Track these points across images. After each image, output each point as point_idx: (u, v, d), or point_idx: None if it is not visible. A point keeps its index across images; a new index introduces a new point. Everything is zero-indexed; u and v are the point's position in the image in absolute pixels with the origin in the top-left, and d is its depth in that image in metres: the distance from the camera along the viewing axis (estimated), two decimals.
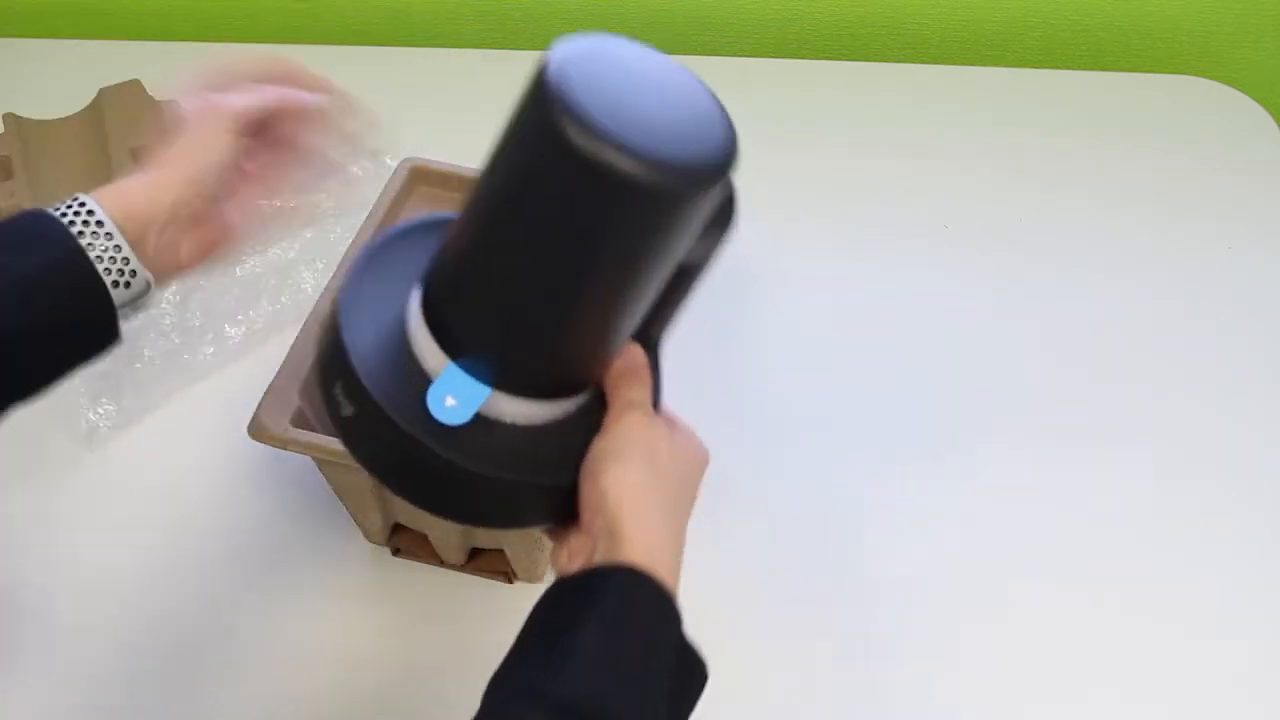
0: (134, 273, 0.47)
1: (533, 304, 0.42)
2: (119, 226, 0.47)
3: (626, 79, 0.41)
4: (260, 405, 0.58)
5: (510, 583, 0.65)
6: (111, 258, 0.46)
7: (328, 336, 0.45)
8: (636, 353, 0.46)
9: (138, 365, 0.74)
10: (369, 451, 0.45)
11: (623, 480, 0.42)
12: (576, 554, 0.43)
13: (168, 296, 0.76)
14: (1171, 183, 0.88)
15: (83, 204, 0.47)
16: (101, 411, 0.72)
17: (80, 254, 0.45)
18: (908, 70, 0.97)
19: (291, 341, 0.62)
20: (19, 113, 0.87)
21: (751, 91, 0.96)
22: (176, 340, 0.75)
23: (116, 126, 0.84)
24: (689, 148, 0.39)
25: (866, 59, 1.03)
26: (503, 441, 0.44)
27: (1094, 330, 0.78)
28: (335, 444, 0.54)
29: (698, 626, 0.42)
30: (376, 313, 0.46)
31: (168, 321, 0.76)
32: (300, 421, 0.59)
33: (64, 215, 0.46)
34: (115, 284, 0.47)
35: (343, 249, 0.70)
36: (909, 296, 0.80)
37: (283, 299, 0.78)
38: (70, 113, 0.88)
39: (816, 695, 0.61)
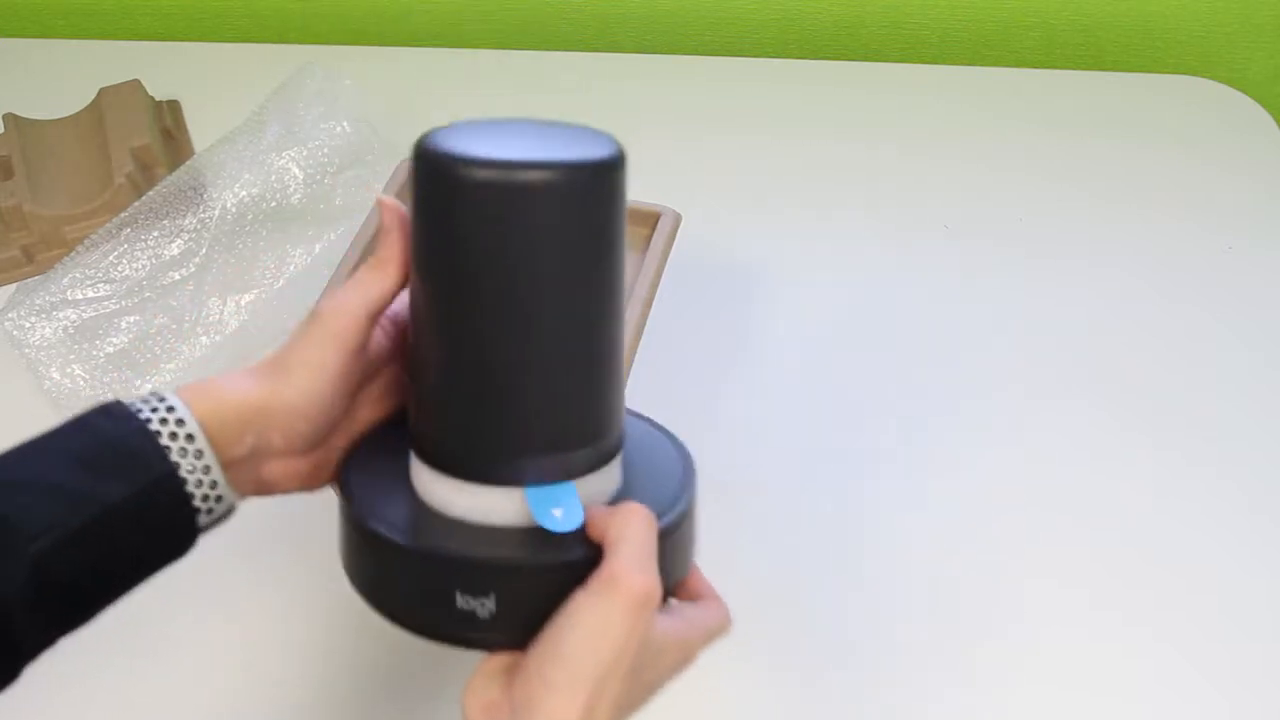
0: (220, 498, 0.42)
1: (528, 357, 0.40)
2: (210, 442, 0.41)
3: (503, 130, 0.42)
4: None
5: None
6: (199, 480, 0.41)
7: (402, 567, 0.41)
8: (633, 510, 0.40)
9: (150, 381, 0.74)
10: (524, 629, 0.40)
11: (567, 669, 0.37)
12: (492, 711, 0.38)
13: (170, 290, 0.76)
14: (1171, 183, 0.88)
15: (171, 408, 0.41)
16: None
17: (172, 478, 0.40)
18: (908, 70, 0.97)
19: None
20: (19, 113, 0.87)
21: (751, 91, 0.96)
22: (181, 344, 0.75)
23: (116, 126, 0.84)
24: (554, 155, 0.39)
25: (866, 59, 1.03)
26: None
27: (1094, 330, 0.78)
28: None
29: None
30: (404, 519, 0.42)
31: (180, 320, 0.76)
32: None
33: (149, 420, 0.40)
34: (205, 509, 0.41)
35: (343, 249, 0.70)
36: (908, 296, 0.80)
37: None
38: (70, 113, 0.88)
39: (814, 696, 0.61)
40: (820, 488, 0.69)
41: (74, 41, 1.01)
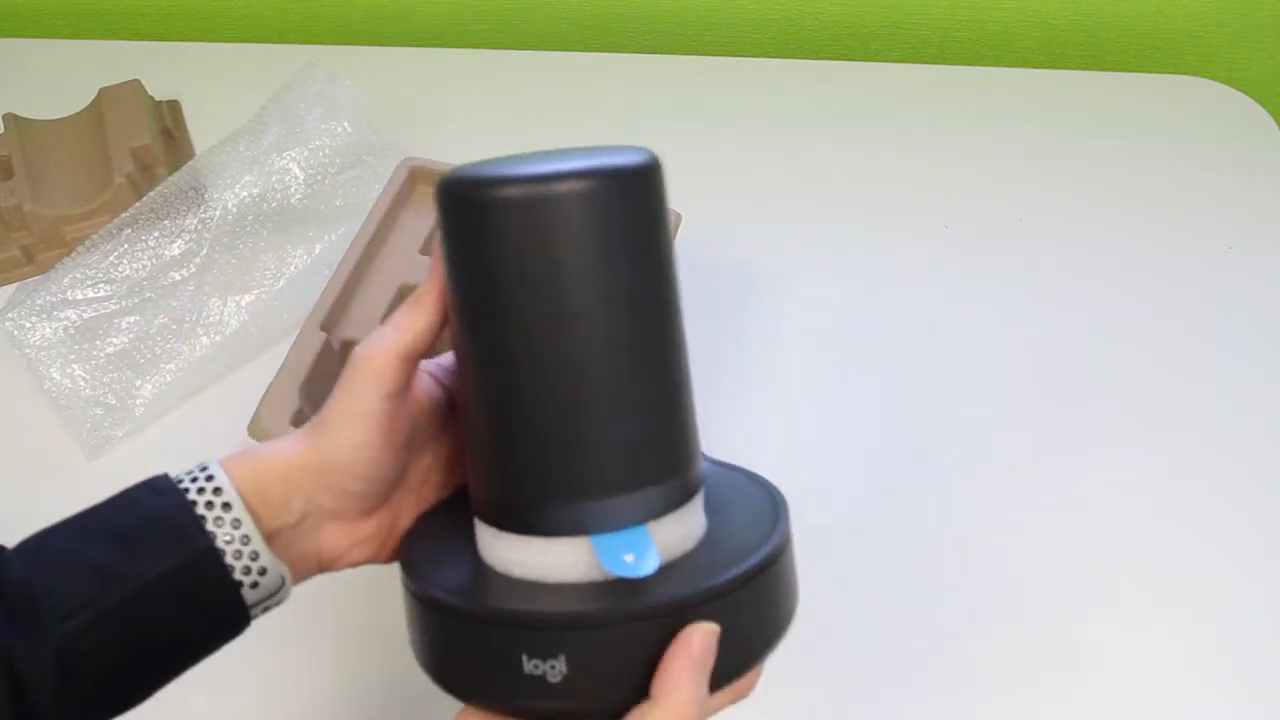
0: (264, 570, 0.39)
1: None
2: (251, 512, 0.39)
3: (527, 159, 0.39)
4: (260, 405, 0.59)
5: None
6: (237, 551, 0.39)
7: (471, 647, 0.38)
8: (696, 634, 0.36)
9: (151, 381, 0.74)
10: (600, 694, 0.36)
11: None
12: None
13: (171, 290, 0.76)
14: (1171, 183, 0.88)
15: (210, 476, 0.39)
16: (109, 420, 0.72)
17: (210, 552, 0.38)
18: (908, 70, 0.97)
19: (292, 341, 0.62)
20: (19, 113, 0.87)
21: (751, 91, 0.96)
22: (183, 346, 0.75)
23: (116, 126, 0.84)
24: (584, 165, 0.37)
25: (866, 59, 1.03)
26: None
27: (1093, 330, 0.78)
28: None
29: None
30: (465, 584, 0.39)
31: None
32: (300, 421, 0.59)
33: (187, 490, 0.39)
34: (249, 585, 0.39)
35: (343, 249, 0.70)
36: (908, 296, 0.80)
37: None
38: (70, 113, 0.88)
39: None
40: (820, 488, 0.69)
41: (74, 41, 1.01)
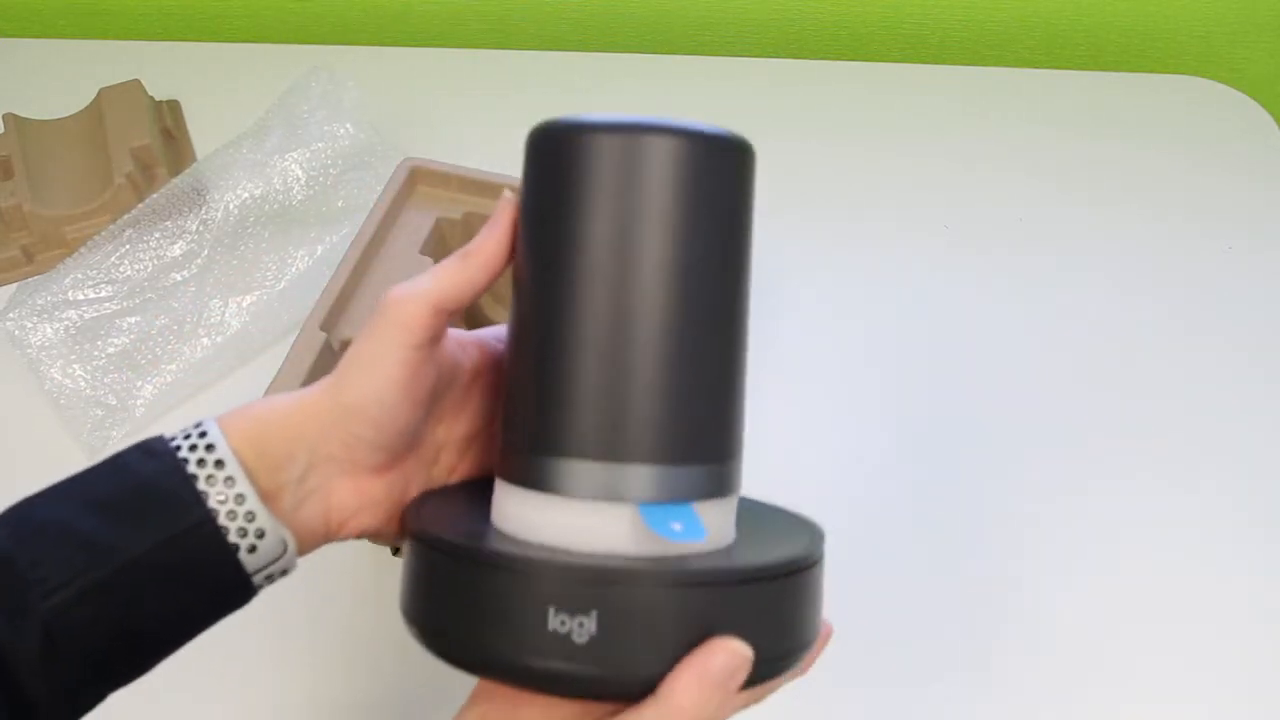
0: (261, 533, 0.37)
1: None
2: (247, 470, 0.37)
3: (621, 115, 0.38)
4: None
5: None
6: (231, 512, 0.36)
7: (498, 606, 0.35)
8: (720, 651, 0.34)
9: (151, 382, 0.74)
10: (620, 663, 0.34)
11: None
12: None
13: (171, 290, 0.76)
14: (1171, 183, 0.88)
15: (204, 433, 0.37)
16: (109, 420, 0.72)
17: (205, 520, 0.36)
18: (908, 70, 0.97)
19: (292, 341, 0.62)
20: (19, 113, 0.87)
21: (751, 91, 0.96)
22: (184, 345, 0.75)
23: (116, 126, 0.84)
24: (682, 124, 0.37)
25: (866, 59, 1.03)
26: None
27: (1093, 329, 0.78)
28: None
29: None
30: (483, 536, 0.37)
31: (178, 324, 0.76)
32: None
33: (181, 451, 0.37)
34: (248, 551, 0.37)
35: (345, 250, 0.70)
36: (908, 296, 0.80)
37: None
38: (70, 113, 0.88)
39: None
40: (819, 488, 0.69)
41: (74, 41, 1.01)
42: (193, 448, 0.37)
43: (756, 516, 0.41)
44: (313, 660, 0.63)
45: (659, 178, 0.36)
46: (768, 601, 0.35)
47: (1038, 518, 0.68)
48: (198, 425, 0.38)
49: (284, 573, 0.39)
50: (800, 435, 0.72)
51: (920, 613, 0.64)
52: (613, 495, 0.36)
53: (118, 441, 0.72)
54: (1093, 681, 0.62)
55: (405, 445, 0.40)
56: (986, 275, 0.82)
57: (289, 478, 0.38)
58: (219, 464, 0.36)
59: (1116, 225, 0.85)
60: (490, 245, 0.38)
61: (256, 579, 0.38)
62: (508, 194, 0.39)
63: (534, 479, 0.37)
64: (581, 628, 0.33)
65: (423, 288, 0.37)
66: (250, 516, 0.37)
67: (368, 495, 0.40)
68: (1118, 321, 0.79)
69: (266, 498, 0.37)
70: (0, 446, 0.72)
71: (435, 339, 0.38)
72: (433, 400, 0.40)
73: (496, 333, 0.43)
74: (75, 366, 0.73)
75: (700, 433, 0.37)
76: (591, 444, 0.36)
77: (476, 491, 0.41)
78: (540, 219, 0.37)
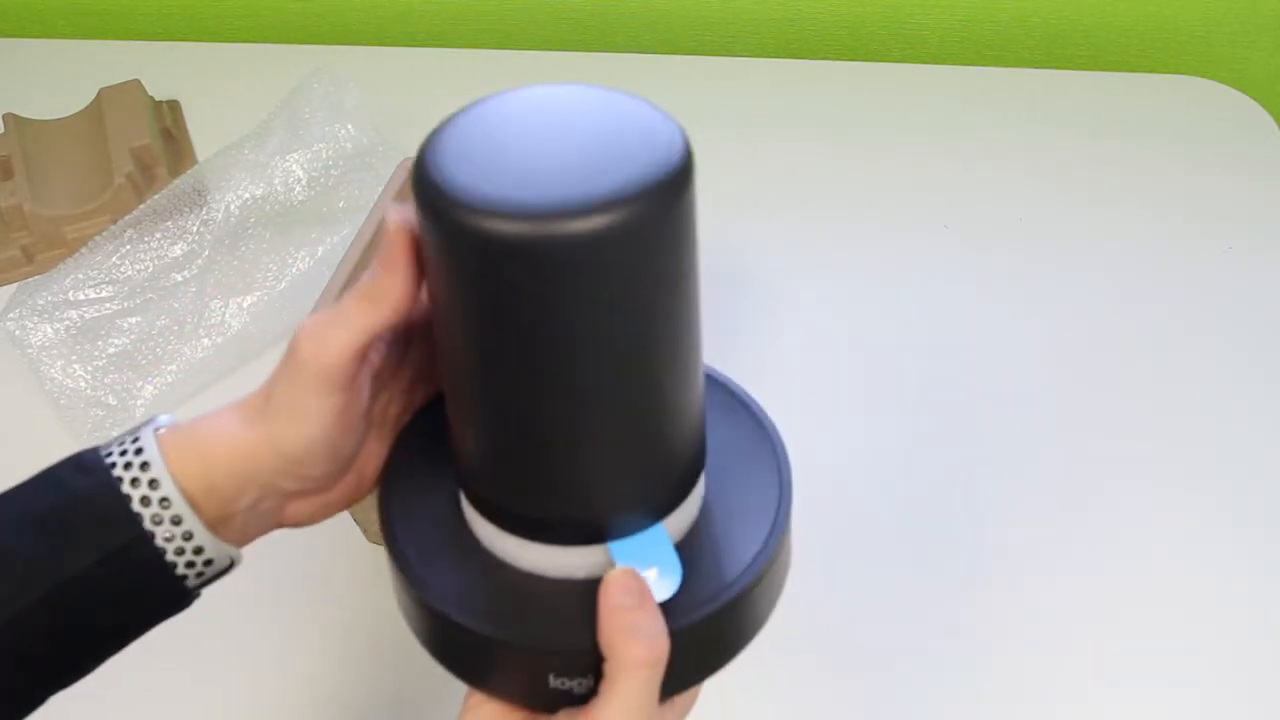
0: (209, 561, 0.37)
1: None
2: (195, 507, 0.36)
3: (521, 132, 0.35)
4: None
5: None
6: (179, 548, 0.36)
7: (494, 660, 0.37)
8: (638, 664, 0.35)
9: (152, 382, 0.74)
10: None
11: None
12: None
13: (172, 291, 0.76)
14: (1171, 183, 0.88)
15: (145, 464, 0.36)
16: (110, 420, 0.72)
17: (144, 544, 0.36)
18: (908, 70, 0.97)
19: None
20: (19, 113, 0.87)
21: (751, 91, 0.96)
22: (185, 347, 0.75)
23: (116, 126, 0.84)
24: (598, 184, 0.30)
25: (866, 59, 1.03)
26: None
27: (1093, 329, 0.78)
28: None
29: None
30: (475, 590, 0.38)
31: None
32: None
33: (120, 478, 0.36)
34: (187, 568, 0.37)
35: (344, 249, 0.70)
36: (907, 296, 0.80)
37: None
38: (70, 113, 0.88)
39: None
40: (818, 488, 0.69)
41: (74, 41, 1.01)
42: (128, 465, 0.36)
43: (722, 433, 0.42)
44: (313, 660, 0.63)
45: (570, 275, 0.30)
46: (712, 633, 0.38)
47: (1038, 517, 0.68)
48: (135, 439, 0.37)
49: (222, 577, 0.39)
50: (800, 435, 0.72)
51: (920, 612, 0.64)
52: (587, 540, 0.37)
53: None
54: (1092, 681, 0.62)
55: (355, 456, 0.40)
56: (986, 275, 0.82)
57: (239, 507, 0.38)
58: (164, 501, 0.36)
59: (1116, 225, 0.85)
60: (396, 291, 0.35)
61: (195, 585, 0.38)
62: (394, 221, 0.35)
63: (508, 526, 0.37)
64: (580, 685, 0.36)
65: (338, 338, 0.35)
66: (199, 550, 0.37)
67: (323, 501, 0.40)
68: (1118, 321, 0.79)
69: (215, 524, 0.37)
70: (0, 446, 0.72)
71: (356, 376, 0.37)
72: (369, 410, 0.39)
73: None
74: (76, 366, 0.73)
75: (666, 484, 0.37)
76: (552, 505, 0.36)
77: (439, 445, 0.39)
78: (448, 295, 0.33)
